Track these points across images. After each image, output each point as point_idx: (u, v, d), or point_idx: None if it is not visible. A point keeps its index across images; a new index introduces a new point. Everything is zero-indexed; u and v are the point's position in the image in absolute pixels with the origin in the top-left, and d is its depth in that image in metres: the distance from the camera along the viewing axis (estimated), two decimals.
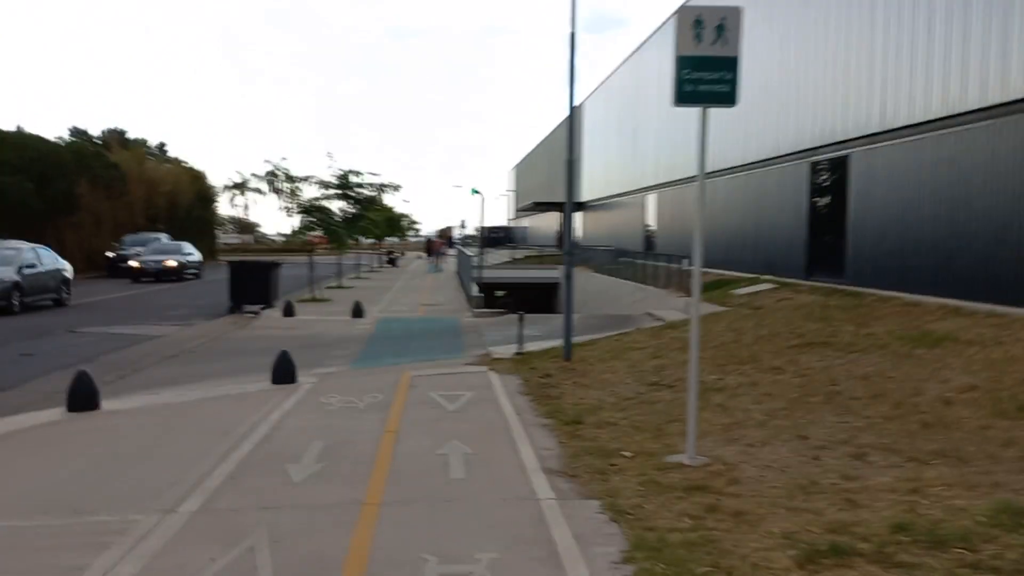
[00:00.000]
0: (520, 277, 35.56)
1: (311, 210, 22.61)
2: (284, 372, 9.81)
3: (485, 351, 12.30)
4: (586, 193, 45.01)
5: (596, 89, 44.43)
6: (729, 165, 23.26)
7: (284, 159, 21.75)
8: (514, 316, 17.54)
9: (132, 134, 62.89)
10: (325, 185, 24.14)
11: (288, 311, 17.54)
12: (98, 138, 53.30)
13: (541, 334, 13.21)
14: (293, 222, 22.83)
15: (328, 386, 9.48)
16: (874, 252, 15.25)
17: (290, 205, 22.50)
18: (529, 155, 78.61)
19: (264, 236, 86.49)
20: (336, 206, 24.41)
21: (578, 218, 47.27)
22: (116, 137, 55.11)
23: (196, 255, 30.67)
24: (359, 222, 24.65)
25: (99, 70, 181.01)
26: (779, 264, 19.65)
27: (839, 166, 16.60)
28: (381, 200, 33.16)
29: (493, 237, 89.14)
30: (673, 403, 7.57)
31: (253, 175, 22.49)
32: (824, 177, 17.38)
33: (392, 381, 9.95)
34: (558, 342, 11.68)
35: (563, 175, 54.19)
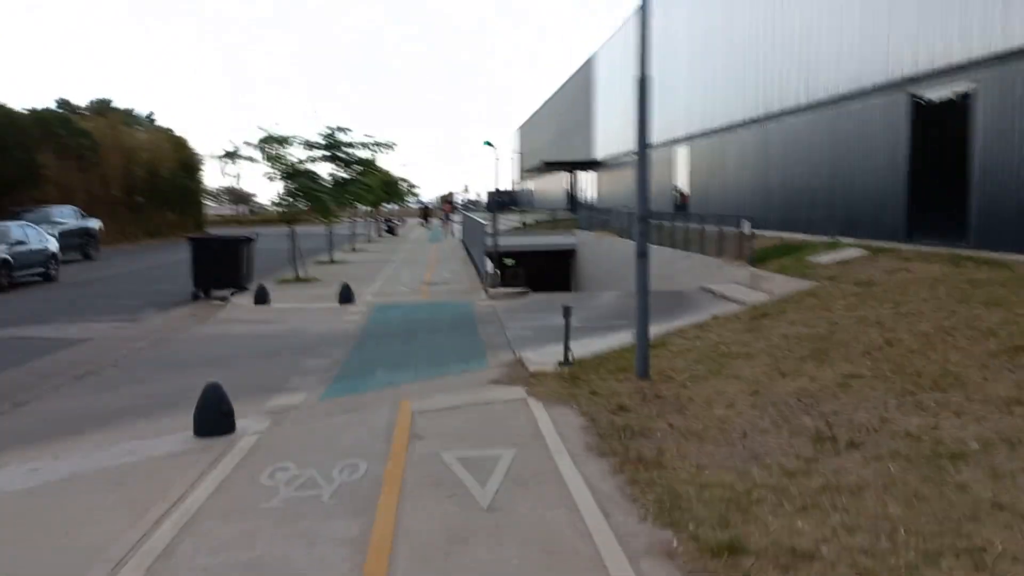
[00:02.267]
0: (531, 244, 33.54)
1: (295, 175, 19.98)
2: (213, 418, 6.14)
3: (514, 355, 9.31)
4: (600, 150, 43.00)
5: (612, 37, 41.64)
6: (786, 106, 19.54)
7: (277, 124, 18.74)
8: (540, 297, 14.45)
9: (120, 104, 59.46)
10: (310, 145, 21.62)
11: (261, 297, 14.79)
12: (83, 109, 49.57)
13: (578, 322, 10.68)
14: (277, 189, 21.10)
15: (282, 440, 6.27)
16: (1015, 208, 11.64)
17: (272, 171, 19.96)
18: (534, 115, 76.37)
19: (261, 207, 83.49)
20: (325, 170, 22.25)
21: (591, 178, 45.54)
22: (100, 107, 51.32)
23: (51, 245, 20.24)
24: (350, 187, 22.08)
25: (91, 42, 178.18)
26: (863, 224, 16.05)
27: (956, 99, 13.08)
28: (375, 163, 30.23)
29: (497, 202, 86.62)
30: (889, 487, 4.37)
31: (245, 143, 20.32)
32: (933, 114, 13.62)
33: (383, 425, 6.59)
34: (608, 338, 9.58)
35: (573, 133, 51.23)
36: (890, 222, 15.33)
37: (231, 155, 21.58)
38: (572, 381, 7.86)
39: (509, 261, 23.91)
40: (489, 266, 16.29)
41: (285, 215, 19.09)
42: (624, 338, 9.79)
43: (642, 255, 7.59)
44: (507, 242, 26.05)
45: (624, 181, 37.03)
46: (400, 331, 11.45)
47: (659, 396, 6.98)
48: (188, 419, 6.70)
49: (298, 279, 18.58)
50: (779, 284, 13.25)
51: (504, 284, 16.25)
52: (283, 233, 18.88)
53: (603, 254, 27.68)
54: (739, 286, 14.62)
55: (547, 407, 6.99)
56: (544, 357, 9.04)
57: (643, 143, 7.45)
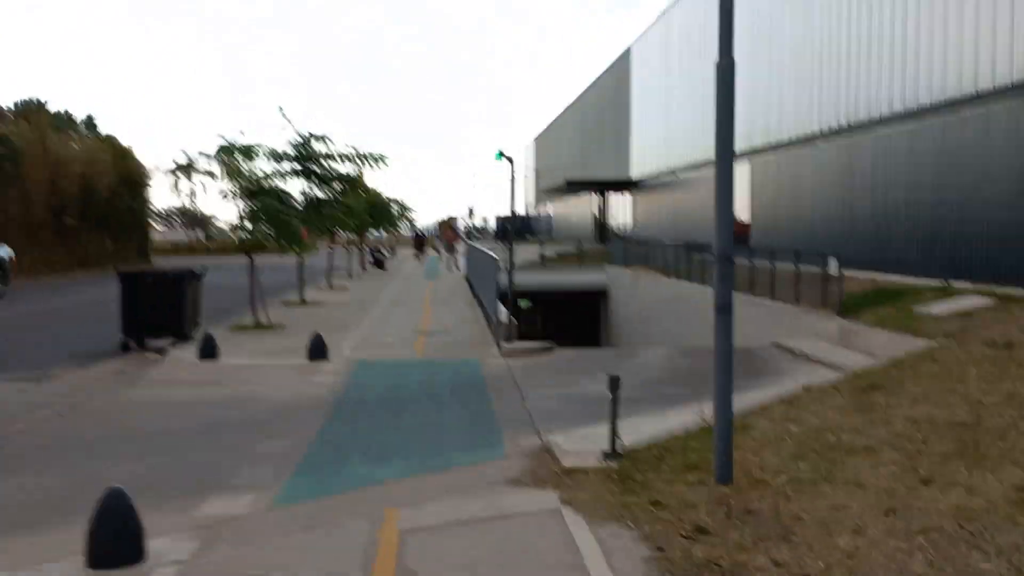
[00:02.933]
0: (551, 284, 33.69)
1: (257, 193, 19.58)
2: (112, 541, 5.17)
3: (540, 439, 8.58)
4: (637, 168, 43.14)
5: (649, 28, 41.55)
6: (877, 114, 18.79)
7: (242, 133, 19.92)
8: (567, 354, 14.11)
9: (55, 107, 59.36)
10: (278, 157, 21.47)
11: (208, 350, 14.25)
12: (9, 110, 49.50)
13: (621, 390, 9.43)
14: (234, 211, 21.04)
15: None
16: None
17: (229, 187, 19.58)
18: (554, 124, 76.64)
19: (221, 232, 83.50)
20: (297, 188, 22.32)
21: (625, 202, 46.02)
22: (27, 109, 51.29)
23: None
24: (326, 209, 21.94)
25: (84, 44, 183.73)
26: (979, 264, 15.18)
27: None
28: (362, 180, 29.69)
29: (508, 229, 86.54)
30: None
31: (202, 154, 20.15)
32: None
33: (359, 552, 5.77)
34: (663, 415, 9.05)
35: (603, 146, 51.23)
36: (1017, 262, 14.36)
37: (185, 169, 21.46)
38: (624, 483, 6.90)
39: (524, 302, 23.31)
40: (503, 313, 15.47)
41: (244, 243, 18.52)
42: (686, 417, 8.99)
43: (725, 309, 6.59)
44: (522, 280, 25.61)
45: (669, 206, 36.86)
46: (386, 401, 10.95)
47: (750, 511, 5.96)
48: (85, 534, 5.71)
49: (258, 326, 18.28)
50: (881, 342, 12.38)
51: (521, 336, 15.34)
52: (245, 265, 18.57)
53: (643, 297, 27.45)
54: (826, 343, 13.92)
55: (592, 525, 6.00)
56: (581, 443, 8.24)
57: (727, 150, 6.51)
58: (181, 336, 15.68)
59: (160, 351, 14.90)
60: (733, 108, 6.50)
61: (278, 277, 34.94)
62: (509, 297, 15.39)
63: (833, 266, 15.44)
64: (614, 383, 7.99)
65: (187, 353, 14.61)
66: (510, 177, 15.17)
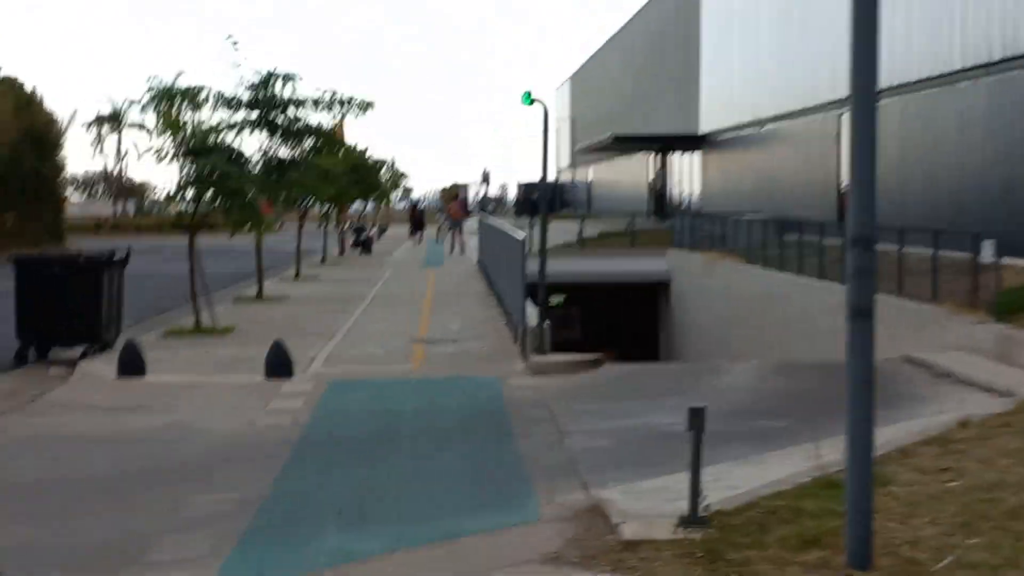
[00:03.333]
0: (592, 273, 34.16)
1: (201, 152, 19.52)
2: None
3: (586, 496, 8.25)
4: (706, 120, 43.83)
5: None
6: None
7: (181, 74, 19.52)
8: (619, 371, 14.74)
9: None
10: (228, 103, 21.75)
11: (131, 363, 14.32)
12: None
13: (684, 418, 9.14)
14: (170, 181, 20.71)
15: None
16: None
17: (164, 145, 19.61)
18: (593, 61, 76.45)
19: (159, 204, 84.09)
20: (254, 145, 22.37)
21: (692, 165, 46.50)
22: None
23: None
24: (294, 173, 22.04)
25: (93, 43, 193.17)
26: None
27: None
28: (341, 134, 29.39)
29: (533, 201, 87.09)
30: None
31: (133, 103, 21.45)
32: None
33: None
34: (761, 458, 8.98)
35: (661, 90, 53.44)
36: None
37: (110, 121, 21.27)
38: (713, 565, 6.46)
39: (556, 298, 23.21)
40: (532, 313, 15.30)
41: (184, 219, 18.81)
42: (793, 462, 8.67)
43: (863, 314, 6.01)
44: (553, 268, 25.79)
45: (752, 169, 37.00)
46: (370, 437, 10.90)
47: None
48: None
49: (200, 330, 18.42)
50: None
51: (556, 346, 15.34)
52: (185, 249, 19.09)
53: (719, 292, 27.50)
54: (978, 357, 13.74)
55: None
56: (647, 502, 7.84)
57: (867, 80, 5.87)
58: (96, 342, 15.78)
59: (68, 364, 15.06)
60: (877, 15, 5.86)
61: (229, 264, 34.87)
62: (540, 292, 15.04)
63: (987, 251, 15.29)
64: (696, 417, 7.46)
65: (104, 367, 14.68)
66: (542, 128, 14.69)
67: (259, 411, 11.97)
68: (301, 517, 8.06)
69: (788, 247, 23.12)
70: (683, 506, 7.25)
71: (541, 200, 15.28)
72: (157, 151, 19.30)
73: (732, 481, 8.13)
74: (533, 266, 16.20)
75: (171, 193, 19.88)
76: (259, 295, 24.43)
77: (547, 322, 14.90)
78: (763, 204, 32.63)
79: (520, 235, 16.44)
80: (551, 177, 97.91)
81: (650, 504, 7.71)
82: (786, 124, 33.01)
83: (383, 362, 15.42)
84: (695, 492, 7.21)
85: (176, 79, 19.68)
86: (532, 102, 15.06)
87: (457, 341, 17.30)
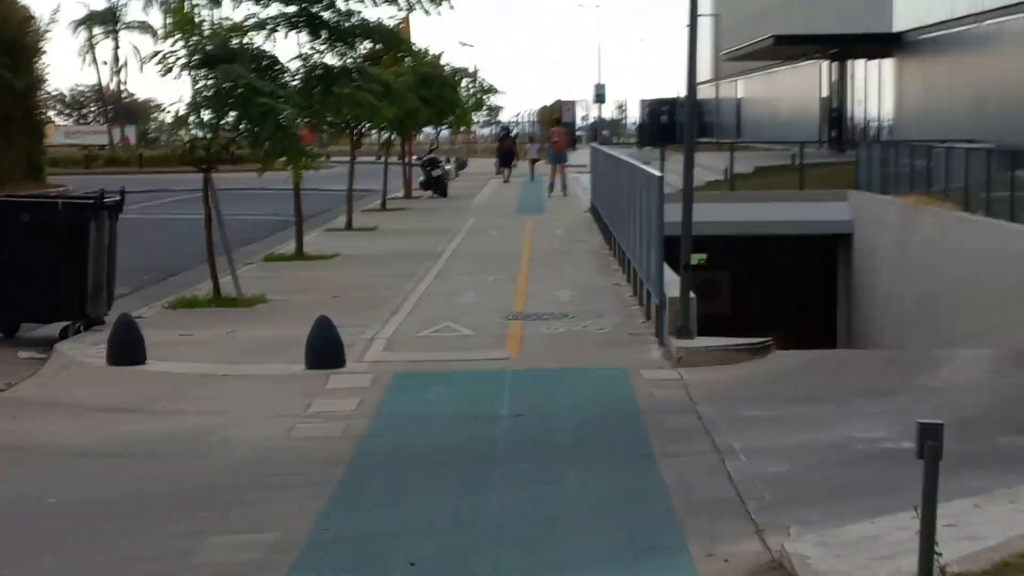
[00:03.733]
0: (747, 224, 33.91)
1: (217, 59, 19.80)
2: None
3: (762, 546, 8.22)
4: (901, 14, 43.50)
5: None
6: None
7: None
8: (795, 360, 15.06)
9: None
10: None
11: (126, 347, 14.47)
12: None
13: (903, 434, 10.05)
14: (179, 98, 20.65)
15: None
16: None
17: (173, 51, 19.90)
18: None
19: (167, 130, 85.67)
20: (288, 52, 22.74)
21: (881, 76, 46.63)
22: None
23: None
24: (341, 89, 22.03)
25: None
26: None
27: None
28: (407, 36, 29.37)
29: (662, 126, 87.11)
30: None
31: None
32: None
33: None
34: (1010, 493, 8.91)
35: None
36: None
37: (105, 19, 21.65)
38: None
39: (697, 257, 23.16)
40: (671, 281, 15.06)
41: (195, 150, 19.17)
42: None
43: None
44: (694, 217, 26.30)
45: (968, 81, 36.74)
46: (450, 454, 11.06)
47: None
48: None
49: (218, 300, 18.77)
50: None
51: (703, 326, 15.38)
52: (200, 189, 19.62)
53: (925, 249, 27.12)
54: None
55: None
56: (852, 557, 7.72)
57: None
58: (80, 319, 16.09)
59: (42, 346, 15.43)
60: None
61: (260, 209, 35.26)
62: (683, 250, 14.78)
63: None
64: (930, 438, 7.18)
65: (90, 351, 14.89)
66: (689, 20, 14.10)
67: (298, 415, 12.00)
68: (356, 571, 8.02)
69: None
70: (905, 565, 7.24)
71: (690, 121, 14.67)
72: (163, 58, 19.63)
73: (973, 528, 8.02)
74: (670, 215, 15.78)
75: (180, 115, 20.11)
76: (299, 252, 24.94)
77: (691, 295, 14.50)
78: (984, 129, 32.20)
79: (655, 172, 16.07)
80: (685, 92, 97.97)
81: (858, 562, 7.56)
82: (1019, 18, 32.30)
83: (467, 347, 15.41)
84: (928, 548, 7.07)
85: None
86: None
87: (568, 316, 17.31)
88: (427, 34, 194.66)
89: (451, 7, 23.04)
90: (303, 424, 11.63)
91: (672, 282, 15.22)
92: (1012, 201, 22.94)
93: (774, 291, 35.46)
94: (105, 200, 16.47)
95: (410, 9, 23.24)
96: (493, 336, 15.95)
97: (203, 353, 15.00)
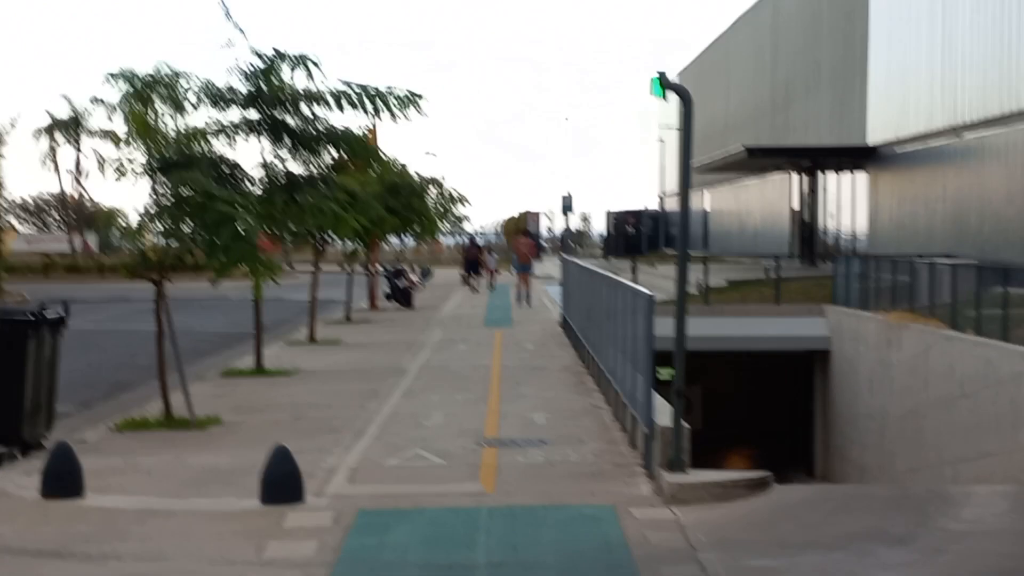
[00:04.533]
0: (722, 337, 33.07)
1: (174, 165, 19.52)
2: None
3: None
4: (876, 128, 43.79)
5: None
6: None
7: (163, 64, 19.61)
8: (797, 496, 14.69)
9: None
10: (215, 99, 21.39)
11: (60, 478, 13.66)
12: None
13: None
14: (136, 201, 20.39)
15: None
16: None
17: (129, 155, 19.69)
18: (712, 51, 76.74)
19: (134, 234, 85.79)
20: (252, 156, 21.93)
21: (855, 188, 46.70)
22: None
23: None
24: (308, 197, 21.31)
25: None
26: None
27: None
28: (374, 144, 30.32)
29: (628, 238, 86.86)
30: None
31: (96, 101, 20.64)
32: None
33: None
34: None
35: (809, 88, 53.95)
36: None
37: (68, 126, 21.04)
38: None
39: (666, 371, 22.38)
40: (662, 410, 14.07)
41: (147, 259, 18.84)
42: None
43: None
44: (663, 330, 25.63)
45: (946, 195, 36.47)
46: None
47: None
48: None
49: (168, 421, 18.13)
50: None
51: (691, 454, 14.34)
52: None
53: (910, 369, 26.39)
54: None
55: None
56: None
57: None
58: (15, 444, 15.55)
59: None
60: None
61: (218, 319, 34.02)
62: (677, 371, 13.93)
63: None
64: None
65: (21, 481, 14.19)
66: (680, 123, 13.15)
67: (250, 563, 10.95)
68: None
69: (1011, 305, 22.24)
70: None
71: (683, 232, 13.59)
72: (120, 165, 19.23)
73: None
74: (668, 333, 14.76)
75: (132, 225, 19.80)
76: (258, 367, 24.39)
77: (683, 424, 13.35)
78: (964, 244, 32.27)
79: (644, 290, 15.02)
80: (649, 205, 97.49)
81: None
82: (1001, 132, 31.89)
83: (438, 479, 14.45)
84: None
85: (157, 69, 19.69)
86: (665, 91, 13.49)
87: (545, 443, 16.37)
88: (394, 143, 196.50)
89: (419, 112, 21.98)
90: (255, 575, 10.61)
91: (662, 409, 14.14)
92: (1005, 319, 22.25)
93: (748, 407, 34.77)
94: (45, 315, 15.86)
95: (376, 114, 22.19)
96: (466, 465, 14.88)
97: (148, 484, 14.09)
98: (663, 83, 13.27)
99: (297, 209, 20.84)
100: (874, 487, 20.36)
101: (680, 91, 13.37)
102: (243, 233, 18.60)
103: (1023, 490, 14.23)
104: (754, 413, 34.36)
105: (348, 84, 22.02)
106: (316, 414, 18.94)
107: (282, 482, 13.11)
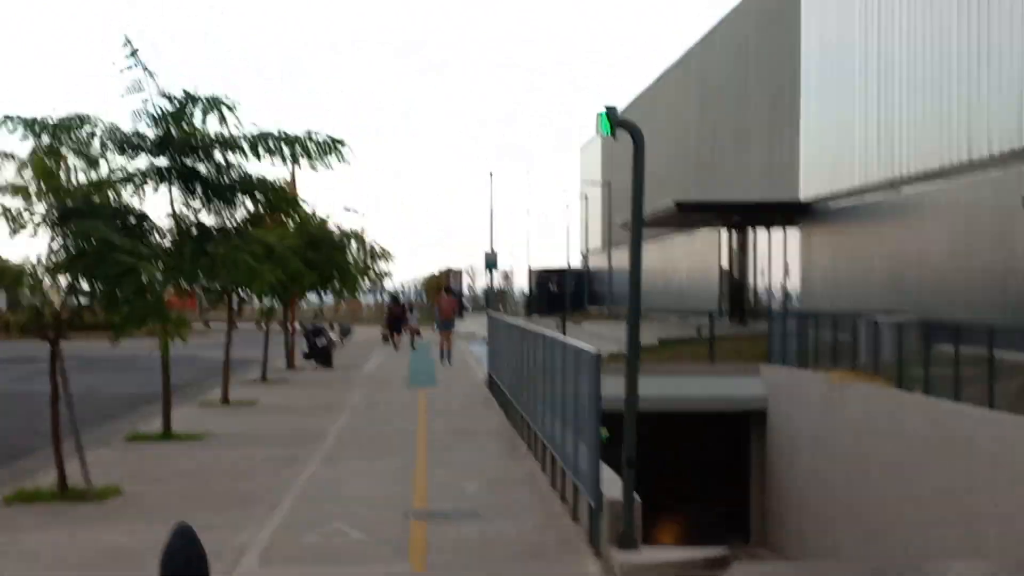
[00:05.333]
0: (654, 398, 31.16)
1: (70, 214, 18.79)
2: None
3: None
4: (809, 183, 44.03)
5: None
6: None
7: (54, 109, 19.27)
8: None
9: None
10: (123, 145, 20.89)
11: None
12: None
13: None
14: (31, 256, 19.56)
15: None
16: None
17: (23, 207, 19.09)
18: (632, 108, 76.40)
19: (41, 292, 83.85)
20: (160, 207, 21.46)
21: (786, 244, 46.74)
22: None
23: None
24: (219, 249, 20.55)
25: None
26: None
27: None
28: (293, 194, 28.76)
29: (550, 294, 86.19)
30: None
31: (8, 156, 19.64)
32: None
33: None
34: None
35: (739, 142, 54.90)
36: None
37: None
38: None
39: (603, 433, 21.66)
40: (611, 481, 13.12)
41: (35, 320, 17.97)
42: None
43: None
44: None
45: (889, 250, 36.28)
46: None
47: None
48: None
49: (63, 492, 17.01)
50: None
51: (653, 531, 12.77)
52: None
53: (853, 431, 26.04)
54: None
55: None
56: None
57: None
58: None
59: None
60: None
61: (126, 380, 32.93)
62: (626, 437, 12.95)
63: None
64: None
65: None
66: (633, 164, 11.97)
67: None
68: None
69: (970, 365, 21.77)
70: None
71: (634, 289, 12.52)
72: (16, 215, 18.37)
73: None
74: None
75: (29, 277, 18.57)
76: (166, 431, 23.18)
77: (634, 496, 12.18)
78: (903, 300, 31.83)
79: (589, 348, 13.84)
80: (571, 263, 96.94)
81: None
82: (939, 186, 31.73)
83: (361, 559, 13.21)
84: None
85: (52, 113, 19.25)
86: (614, 129, 12.32)
87: (479, 516, 15.20)
88: (313, 197, 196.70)
89: (341, 159, 21.22)
90: None
91: (610, 479, 12.93)
92: (956, 379, 21.73)
93: (680, 470, 33.66)
94: None
95: (295, 161, 21.39)
96: (392, 544, 13.62)
97: (31, 570, 12.74)
98: (611, 119, 12.13)
99: (208, 262, 19.91)
100: (840, 565, 19.41)
101: (630, 128, 12.22)
102: (147, 286, 17.75)
103: (998, 563, 13.16)
104: (686, 477, 33.52)
105: (266, 133, 21.24)
106: (227, 484, 18.00)
107: (182, 565, 11.82)
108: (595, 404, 13.11)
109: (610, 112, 12.08)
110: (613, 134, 12.35)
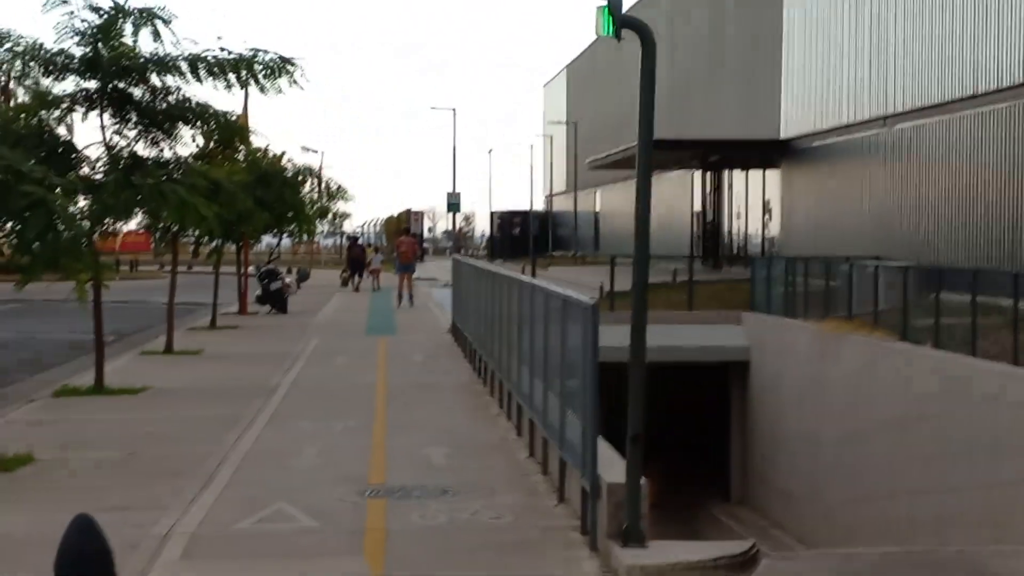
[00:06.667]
0: (627, 347, 30.09)
1: None
2: None
3: None
4: (791, 120, 43.32)
5: None
6: None
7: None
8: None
9: None
10: (47, 66, 20.34)
11: None
12: None
13: None
14: None
15: None
16: None
17: None
18: (600, 43, 74.78)
19: None
20: (90, 133, 21.27)
21: (766, 185, 45.93)
22: None
23: None
24: (157, 186, 19.56)
25: None
26: None
27: None
28: (244, 126, 28.14)
29: (512, 237, 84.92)
30: None
31: None
32: None
33: None
34: None
35: (714, 78, 51.29)
36: None
37: None
38: None
39: None
40: (610, 460, 11.41)
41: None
42: None
43: None
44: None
45: (869, 192, 35.49)
46: None
47: None
48: None
49: None
50: None
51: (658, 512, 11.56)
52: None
53: (849, 386, 24.72)
54: None
55: None
56: None
57: None
58: None
59: None
60: None
61: (65, 326, 33.64)
62: (633, 404, 11.04)
63: None
64: None
65: None
66: (641, 70, 9.85)
67: None
68: None
69: (986, 314, 20.71)
70: None
71: (640, 214, 10.59)
72: None
73: None
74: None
75: None
76: (98, 385, 21.42)
77: (644, 481, 10.10)
78: (892, 246, 30.92)
79: (583, 298, 11.92)
80: (538, 205, 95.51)
81: None
82: (936, 120, 30.52)
83: (307, 551, 11.30)
84: None
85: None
86: (618, 28, 10.21)
87: (448, 493, 13.35)
88: (267, 136, 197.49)
89: (293, 82, 20.20)
90: None
91: (611, 461, 10.79)
92: (974, 330, 20.26)
93: (655, 425, 32.25)
94: None
95: (241, 84, 20.26)
96: (345, 530, 11.77)
97: None
98: (614, 16, 9.93)
99: (132, 194, 18.53)
100: (886, 552, 17.51)
101: (638, 26, 10.04)
102: (61, 222, 15.94)
103: None
104: (662, 430, 32.18)
105: (213, 51, 20.24)
106: (157, 450, 16.25)
107: (83, 569, 9.74)
108: (592, 366, 11.27)
109: (613, 6, 9.88)
110: (617, 35, 10.16)
